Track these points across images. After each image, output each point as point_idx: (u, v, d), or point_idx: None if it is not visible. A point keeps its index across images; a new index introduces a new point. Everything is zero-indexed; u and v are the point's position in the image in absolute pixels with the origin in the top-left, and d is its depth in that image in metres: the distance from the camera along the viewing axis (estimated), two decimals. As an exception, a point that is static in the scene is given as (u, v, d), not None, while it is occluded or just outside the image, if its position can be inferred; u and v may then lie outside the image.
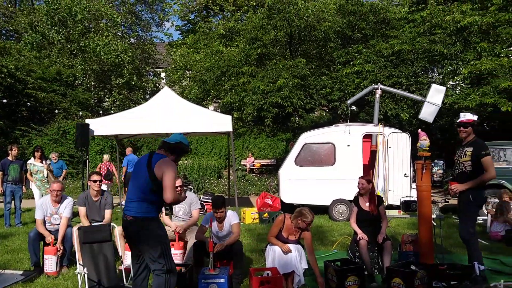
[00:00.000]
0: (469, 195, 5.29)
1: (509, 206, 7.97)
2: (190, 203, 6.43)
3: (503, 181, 9.93)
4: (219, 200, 5.62)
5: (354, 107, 17.66)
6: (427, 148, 5.71)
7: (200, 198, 11.87)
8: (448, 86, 14.88)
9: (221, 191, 15.23)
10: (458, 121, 5.40)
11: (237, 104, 14.46)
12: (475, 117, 5.38)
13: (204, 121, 10.17)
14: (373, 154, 10.82)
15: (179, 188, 6.36)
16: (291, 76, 13.18)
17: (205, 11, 30.95)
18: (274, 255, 5.40)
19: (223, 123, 10.17)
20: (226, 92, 15.42)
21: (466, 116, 5.34)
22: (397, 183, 10.06)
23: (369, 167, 11.02)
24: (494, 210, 8.21)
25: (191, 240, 6.02)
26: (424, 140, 5.72)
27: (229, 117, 10.21)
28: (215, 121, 10.25)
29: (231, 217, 5.69)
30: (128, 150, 13.24)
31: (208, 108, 19.84)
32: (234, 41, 19.30)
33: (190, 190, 12.35)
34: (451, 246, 7.26)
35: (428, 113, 10.55)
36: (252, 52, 14.74)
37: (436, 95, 10.31)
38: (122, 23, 27.46)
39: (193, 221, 6.39)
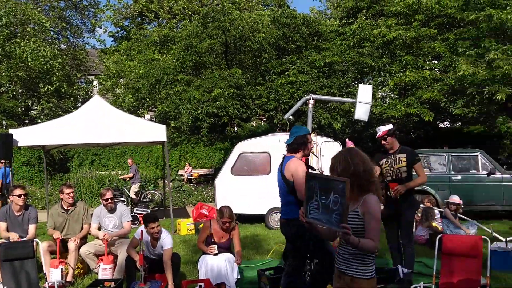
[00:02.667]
0: (409, 201, 5.53)
1: (433, 212, 8.42)
2: (121, 215, 6.24)
3: (427, 187, 10.51)
4: (150, 216, 5.51)
5: (291, 116, 18.02)
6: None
7: (133, 210, 11.55)
8: (378, 96, 15.59)
9: (157, 202, 14.91)
10: (376, 137, 5.64)
11: (173, 113, 14.25)
12: (389, 126, 5.63)
13: (137, 131, 9.92)
14: (307, 163, 11.06)
15: (109, 201, 6.16)
16: (227, 85, 13.23)
17: (139, 18, 30.40)
18: (206, 266, 5.37)
19: (157, 132, 9.97)
20: (162, 100, 15.19)
21: (380, 130, 5.59)
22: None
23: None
24: (419, 215, 8.66)
25: (121, 253, 5.84)
26: (351, 149, 5.94)
27: (163, 126, 10.04)
28: (148, 131, 10.03)
29: (165, 240, 5.52)
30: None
31: (144, 117, 19.45)
32: (169, 48, 19.07)
33: (123, 202, 11.99)
34: (381, 250, 7.54)
35: (362, 112, 10.88)
36: (187, 59, 14.64)
37: (365, 94, 10.71)
38: (52, 28, 26.23)
39: (124, 232, 6.20)
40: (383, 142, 5.55)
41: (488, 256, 4.61)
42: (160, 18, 27.52)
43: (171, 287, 5.22)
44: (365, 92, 10.80)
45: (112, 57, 24.37)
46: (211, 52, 15.30)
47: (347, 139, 6.50)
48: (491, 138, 20.72)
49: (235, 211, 10.62)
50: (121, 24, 31.02)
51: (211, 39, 14.48)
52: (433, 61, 14.19)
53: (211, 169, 20.65)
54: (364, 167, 2.78)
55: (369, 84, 16.85)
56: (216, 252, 5.42)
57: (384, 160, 5.62)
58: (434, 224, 8.35)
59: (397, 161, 5.47)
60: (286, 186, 4.29)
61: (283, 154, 4.58)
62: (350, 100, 12.02)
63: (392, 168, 5.49)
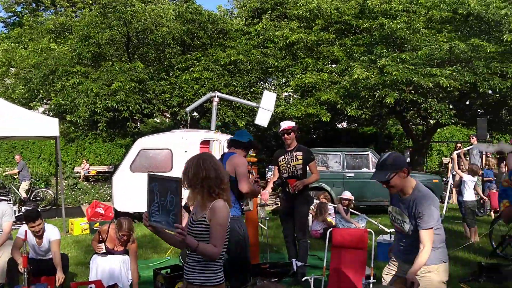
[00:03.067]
0: (305, 197, 5.74)
1: (327, 207, 8.85)
2: (2, 215, 5.70)
3: (323, 184, 11.02)
4: (31, 213, 5.10)
5: (195, 113, 17.86)
6: (254, 154, 6.03)
7: (21, 209, 10.68)
8: (282, 97, 16.03)
9: (49, 200, 13.93)
10: (281, 130, 5.79)
11: (69, 106, 13.37)
12: (293, 123, 5.84)
13: (27, 124, 9.14)
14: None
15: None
16: (128, 79, 12.72)
17: (34, 4, 28.29)
18: (97, 267, 5.12)
19: (48, 126, 9.28)
20: (57, 93, 14.19)
21: (286, 124, 5.76)
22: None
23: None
24: (314, 210, 9.04)
25: (3, 256, 5.36)
26: (251, 146, 6.02)
27: (56, 120, 9.39)
28: (39, 125, 9.30)
29: (50, 232, 5.17)
30: None
31: (37, 110, 18.03)
32: (66, 38, 17.87)
33: (10, 200, 11.03)
34: (279, 245, 7.74)
35: (262, 118, 11.14)
36: (84, 50, 13.85)
37: (268, 102, 10.97)
38: None
39: (4, 235, 5.67)
40: (286, 136, 5.70)
41: (372, 247, 4.93)
42: (58, 6, 25.77)
43: (60, 274, 4.89)
44: (268, 99, 11.06)
45: (2, 44, 22.29)
46: (111, 44, 14.62)
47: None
48: (382, 138, 22.40)
49: (134, 210, 10.42)
50: (13, 9, 28.74)
51: (112, 30, 13.84)
52: (332, 65, 14.90)
53: (110, 166, 19.81)
54: (216, 173, 2.70)
55: (272, 84, 17.33)
56: (104, 251, 5.16)
57: (282, 157, 5.79)
58: (329, 219, 8.79)
59: (294, 158, 5.66)
60: None
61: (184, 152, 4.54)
62: (254, 104, 12.22)
63: (288, 165, 5.68)
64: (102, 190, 15.77)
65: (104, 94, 12.48)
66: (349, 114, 12.97)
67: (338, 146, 14.51)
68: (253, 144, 4.92)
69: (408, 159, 18.26)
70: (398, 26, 12.17)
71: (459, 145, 11.26)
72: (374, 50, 12.74)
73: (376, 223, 8.22)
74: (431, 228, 2.98)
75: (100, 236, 5.23)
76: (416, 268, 2.91)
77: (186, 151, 10.27)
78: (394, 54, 12.26)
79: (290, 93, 16.36)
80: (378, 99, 11.95)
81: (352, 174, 11.09)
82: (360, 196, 10.71)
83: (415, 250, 3.00)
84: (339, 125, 22.63)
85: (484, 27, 13.42)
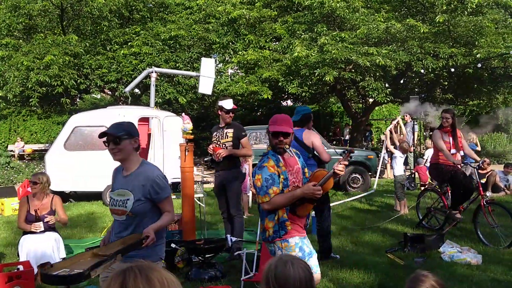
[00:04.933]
0: (234, 173, 5.75)
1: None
2: None
3: (263, 161, 11.10)
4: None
5: (137, 90, 17.37)
6: (190, 131, 5.96)
7: None
8: (227, 74, 15.91)
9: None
10: (231, 108, 5.70)
11: (-1, 81, 12.63)
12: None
13: None
14: (150, 138, 10.83)
15: None
16: (62, 53, 12.13)
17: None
18: (28, 248, 4.97)
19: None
20: (-16, 66, 13.32)
21: (230, 104, 5.71)
22: (172, 166, 10.27)
23: (147, 151, 10.99)
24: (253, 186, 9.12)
25: None
26: (187, 124, 5.95)
27: (-19, 95, 8.83)
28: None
29: None
30: None
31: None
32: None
33: None
34: (217, 221, 7.76)
35: (205, 86, 11.01)
36: (14, 21, 13.01)
37: (208, 68, 10.83)
38: None
39: None
40: (231, 114, 5.68)
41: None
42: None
43: None
44: (207, 66, 10.92)
45: None
46: (44, 15, 13.83)
47: (183, 114, 6.49)
48: (325, 116, 22.90)
49: (69, 189, 10.10)
50: None
51: (44, 1, 13.07)
52: (276, 42, 14.91)
53: (47, 144, 18.96)
54: None
55: (216, 60, 17.12)
56: (42, 229, 5.03)
57: (215, 133, 5.79)
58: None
59: (224, 135, 5.68)
60: (307, 152, 5.14)
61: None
62: (194, 73, 12.04)
63: (219, 142, 5.68)
64: (37, 169, 15.11)
65: (36, 68, 11.85)
66: (289, 91, 13.10)
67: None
68: (306, 116, 5.40)
69: (348, 136, 18.85)
70: (338, 5, 12.33)
71: (394, 122, 11.68)
72: (315, 29, 12.86)
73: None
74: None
75: (33, 214, 5.09)
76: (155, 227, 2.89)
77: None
78: (334, 33, 12.43)
79: (236, 70, 16.28)
80: (318, 77, 12.14)
81: (291, 151, 11.27)
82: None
83: (135, 228, 2.97)
84: (284, 103, 22.86)
85: (420, 8, 13.89)
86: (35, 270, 4.52)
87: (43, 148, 18.80)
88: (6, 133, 19.63)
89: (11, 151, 18.26)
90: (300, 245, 3.14)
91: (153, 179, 2.95)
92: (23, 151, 18.41)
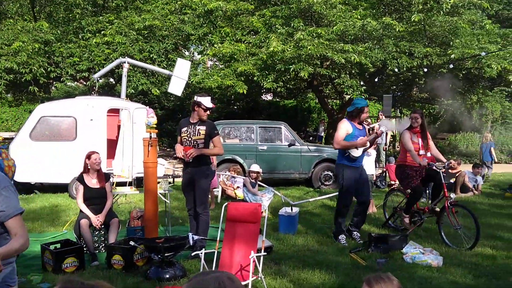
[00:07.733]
0: (204, 171, 5.61)
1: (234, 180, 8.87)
2: None
3: (236, 157, 11.00)
4: None
5: (111, 79, 17.01)
6: (154, 126, 5.79)
7: None
8: (206, 66, 15.67)
9: None
10: (211, 106, 5.53)
11: (-35, 67, 12.18)
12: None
13: None
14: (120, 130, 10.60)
15: None
16: (32, 39, 11.76)
17: None
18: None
19: None
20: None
21: (209, 102, 5.53)
22: (142, 159, 10.06)
23: (117, 143, 10.76)
24: (225, 181, 9.02)
25: None
26: (151, 118, 5.78)
27: None
28: None
29: None
30: None
31: None
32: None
33: None
34: (186, 217, 7.59)
35: (176, 86, 10.83)
36: (-19, 6, 12.61)
37: (182, 70, 10.65)
38: None
39: None
40: (208, 112, 5.52)
41: (265, 221, 4.97)
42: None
43: None
44: (182, 67, 10.73)
45: None
46: (14, 1, 13.40)
47: (147, 107, 6.34)
48: (303, 111, 22.88)
49: (34, 180, 9.79)
50: None
51: (14, -15, 12.69)
52: (253, 36, 14.74)
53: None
54: None
55: (193, 52, 16.89)
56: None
57: (185, 128, 5.61)
58: (238, 192, 8.83)
59: (196, 132, 5.51)
60: None
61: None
62: (167, 72, 11.79)
63: (190, 139, 5.52)
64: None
65: (4, 54, 11.48)
66: (264, 86, 12.98)
67: (259, 118, 14.53)
68: (358, 109, 5.99)
69: (323, 133, 18.86)
70: (315, 0, 12.24)
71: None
72: (292, 23, 12.76)
73: (280, 194, 8.35)
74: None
75: None
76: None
77: (91, 120, 9.77)
78: (311, 29, 12.36)
79: (215, 62, 16.06)
80: (293, 72, 12.05)
81: (264, 147, 11.16)
82: (272, 168, 10.86)
83: None
84: (264, 97, 22.72)
85: (397, 6, 13.91)
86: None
87: (13, 136, 18.28)
88: (-24, 121, 19.10)
89: (-20, 139, 17.74)
90: None
91: None
92: (-7, 140, 17.90)
